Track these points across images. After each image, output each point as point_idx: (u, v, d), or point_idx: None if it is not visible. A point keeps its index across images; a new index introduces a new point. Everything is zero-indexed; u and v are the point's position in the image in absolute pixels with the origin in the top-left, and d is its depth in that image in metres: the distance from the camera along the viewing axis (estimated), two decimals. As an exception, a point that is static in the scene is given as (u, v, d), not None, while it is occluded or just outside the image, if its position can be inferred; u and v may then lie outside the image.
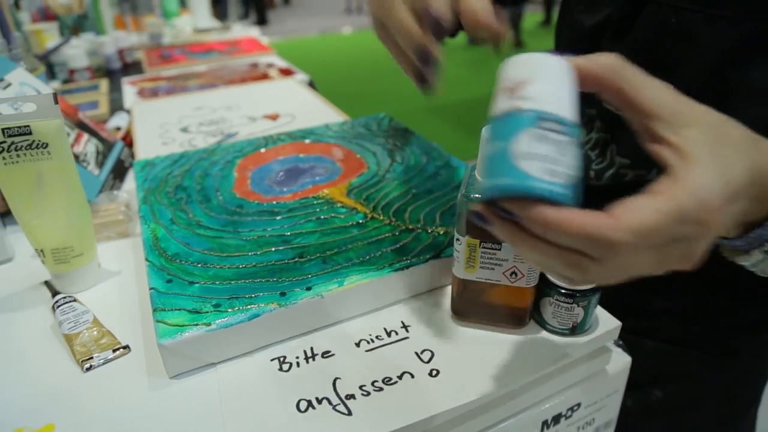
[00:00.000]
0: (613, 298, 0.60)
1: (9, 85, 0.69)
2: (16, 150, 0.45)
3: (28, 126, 0.45)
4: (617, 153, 0.55)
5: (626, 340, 0.61)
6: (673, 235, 0.26)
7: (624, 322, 0.62)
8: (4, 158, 0.45)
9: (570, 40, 0.59)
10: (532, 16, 6.97)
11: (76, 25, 1.52)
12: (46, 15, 1.59)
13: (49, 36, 1.42)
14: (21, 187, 0.46)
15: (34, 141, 0.45)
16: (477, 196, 0.37)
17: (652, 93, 0.29)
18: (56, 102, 0.46)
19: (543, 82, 0.28)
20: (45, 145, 0.46)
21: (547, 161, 0.26)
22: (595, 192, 0.56)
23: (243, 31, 1.79)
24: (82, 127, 0.74)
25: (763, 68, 0.43)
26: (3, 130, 0.44)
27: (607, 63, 0.29)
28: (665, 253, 0.27)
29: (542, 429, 0.44)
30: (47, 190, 0.47)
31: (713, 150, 0.28)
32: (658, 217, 0.25)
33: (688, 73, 0.46)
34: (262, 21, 8.01)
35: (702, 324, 0.59)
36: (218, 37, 1.63)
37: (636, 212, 0.25)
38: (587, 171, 0.58)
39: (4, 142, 0.45)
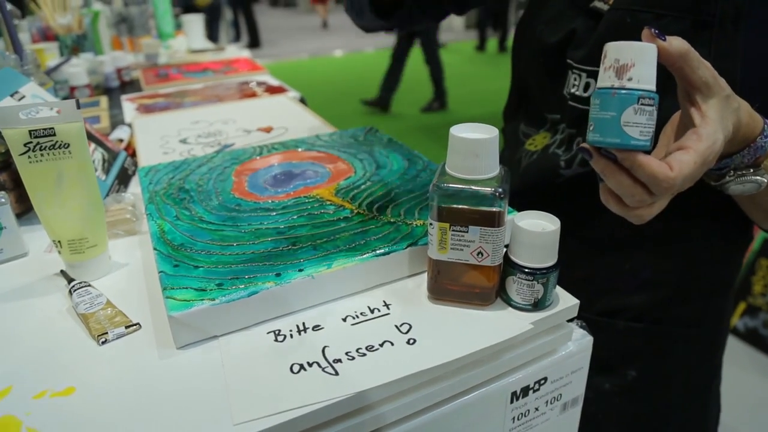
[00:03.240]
0: (588, 282, 0.67)
1: (23, 97, 0.74)
2: (40, 150, 0.51)
3: (53, 128, 0.50)
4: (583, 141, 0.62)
5: (599, 322, 0.68)
6: (698, 173, 0.41)
7: (596, 306, 0.68)
8: (29, 157, 0.51)
9: (533, 55, 0.67)
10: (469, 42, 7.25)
11: (75, 45, 1.58)
12: (45, 35, 1.65)
13: (50, 55, 1.48)
14: (43, 183, 0.52)
15: (57, 141, 0.51)
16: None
17: (700, 72, 0.41)
18: (78, 107, 0.51)
19: (640, 65, 0.39)
20: (67, 146, 0.51)
21: (641, 126, 0.39)
22: (566, 183, 0.63)
23: (235, 53, 1.86)
24: (89, 137, 0.80)
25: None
26: (30, 131, 0.50)
27: (678, 47, 0.40)
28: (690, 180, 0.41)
29: (512, 400, 0.50)
30: (66, 186, 0.52)
31: (721, 113, 0.42)
32: (693, 166, 0.40)
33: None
34: (254, 44, 8.13)
35: (666, 293, 0.66)
36: (213, 58, 1.70)
37: (682, 164, 0.39)
38: (558, 164, 0.65)
39: (30, 142, 0.50)
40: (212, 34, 7.82)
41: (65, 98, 1.35)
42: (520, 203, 0.61)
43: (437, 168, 0.65)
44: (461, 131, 0.45)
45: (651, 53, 0.39)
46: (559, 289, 0.50)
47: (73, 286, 0.52)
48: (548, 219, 0.47)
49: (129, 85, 1.49)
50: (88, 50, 1.60)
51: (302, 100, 1.16)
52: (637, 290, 0.67)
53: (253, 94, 1.20)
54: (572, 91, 0.62)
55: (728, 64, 0.51)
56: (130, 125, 1.01)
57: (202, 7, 7.26)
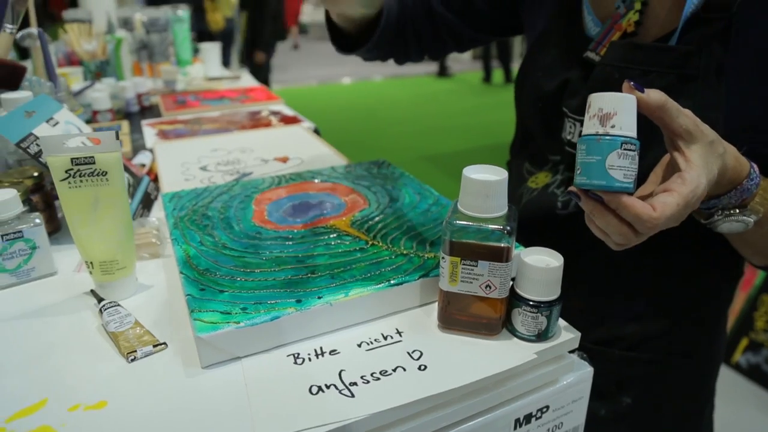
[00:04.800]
0: (583, 314, 0.70)
1: (57, 123, 0.79)
2: (80, 176, 0.54)
3: (93, 157, 0.54)
4: None
5: (594, 351, 0.70)
6: (681, 214, 0.44)
7: (592, 335, 0.71)
8: (69, 183, 0.54)
9: (533, 101, 0.71)
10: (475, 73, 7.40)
11: (99, 71, 1.64)
12: (70, 60, 1.71)
13: (74, 79, 1.54)
14: (80, 207, 0.55)
15: (96, 169, 0.55)
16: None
17: (680, 120, 0.45)
18: (117, 138, 0.55)
19: (622, 114, 0.43)
20: (105, 173, 0.55)
21: (624, 169, 0.43)
22: (563, 220, 0.67)
23: (247, 79, 1.92)
24: (116, 162, 0.84)
25: (683, 106, 0.56)
26: (72, 159, 0.54)
27: (655, 99, 0.44)
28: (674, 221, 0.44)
29: (515, 426, 0.52)
30: (101, 210, 0.56)
31: (705, 158, 0.45)
32: (675, 208, 0.43)
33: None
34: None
35: (660, 325, 0.69)
36: (229, 86, 1.75)
37: (664, 206, 0.43)
38: (555, 204, 0.69)
39: (71, 169, 0.54)
40: (225, 59, 7.97)
41: (88, 122, 1.40)
42: (519, 236, 0.64)
43: (450, 205, 0.69)
44: (473, 172, 0.49)
45: (631, 103, 0.43)
46: (561, 321, 0.53)
47: (104, 306, 0.55)
48: (552, 255, 0.51)
49: (148, 110, 1.54)
50: (110, 75, 1.66)
51: (316, 131, 1.20)
52: (632, 321, 0.70)
53: (269, 124, 1.24)
54: (569, 138, 0.66)
55: (713, 114, 0.55)
56: (151, 150, 1.05)
57: (216, 32, 7.43)
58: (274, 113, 1.37)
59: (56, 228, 0.76)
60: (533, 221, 0.70)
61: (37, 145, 0.72)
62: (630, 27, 0.62)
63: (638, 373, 0.71)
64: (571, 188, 0.46)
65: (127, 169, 0.86)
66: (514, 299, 0.50)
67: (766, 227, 0.53)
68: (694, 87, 0.56)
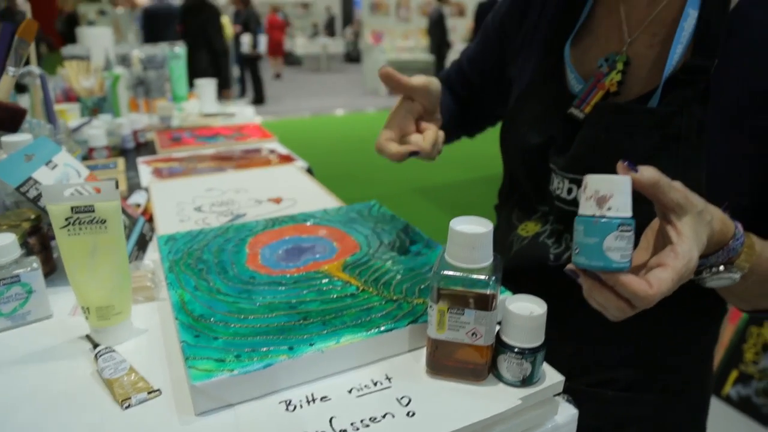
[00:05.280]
0: (575, 358, 0.72)
1: (56, 166, 0.81)
2: (79, 224, 0.56)
3: (93, 206, 0.56)
4: (571, 240, 0.67)
5: (589, 392, 0.72)
6: (675, 287, 0.45)
7: (584, 378, 0.73)
8: (69, 230, 0.56)
9: (519, 153, 0.73)
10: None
11: (96, 107, 1.66)
12: (68, 96, 1.74)
13: (72, 116, 1.57)
14: (78, 254, 0.57)
15: (95, 218, 0.56)
16: (483, 272, 0.49)
17: (671, 195, 0.47)
18: (117, 187, 0.57)
19: (618, 196, 0.45)
20: (103, 221, 0.57)
21: (621, 250, 0.44)
22: (554, 270, 0.69)
23: (239, 110, 1.95)
24: (112, 203, 0.86)
25: (665, 165, 0.58)
26: (72, 207, 0.56)
27: (649, 178, 0.46)
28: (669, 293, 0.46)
29: (502, 470, 0.53)
30: (99, 257, 0.58)
31: (695, 229, 0.47)
32: (670, 283, 0.45)
33: (615, 173, 0.61)
34: (259, 100, 8.37)
35: (651, 367, 0.71)
36: (224, 122, 1.79)
37: (660, 282, 0.44)
38: (547, 255, 0.71)
39: (71, 217, 0.56)
40: (220, 90, 8.07)
41: (84, 158, 1.42)
42: (510, 285, 0.66)
43: (439, 249, 0.71)
44: (460, 224, 0.51)
45: (626, 185, 0.45)
46: (546, 366, 0.55)
47: (99, 352, 0.56)
48: (536, 302, 0.52)
49: (144, 147, 1.57)
50: (107, 111, 1.69)
51: (309, 170, 1.22)
52: (622, 365, 0.72)
53: (263, 163, 1.27)
54: (557, 192, 0.68)
55: (695, 173, 0.57)
56: (146, 190, 1.07)
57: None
58: (270, 152, 1.39)
59: (52, 269, 0.77)
60: (525, 270, 0.72)
61: (36, 189, 0.73)
62: (613, 87, 0.65)
63: (634, 413, 0.72)
64: (570, 266, 0.49)
65: (123, 210, 0.87)
66: (499, 345, 0.52)
67: (751, 280, 0.55)
68: (677, 146, 0.59)
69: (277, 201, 0.98)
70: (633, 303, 0.46)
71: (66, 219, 0.56)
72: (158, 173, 1.21)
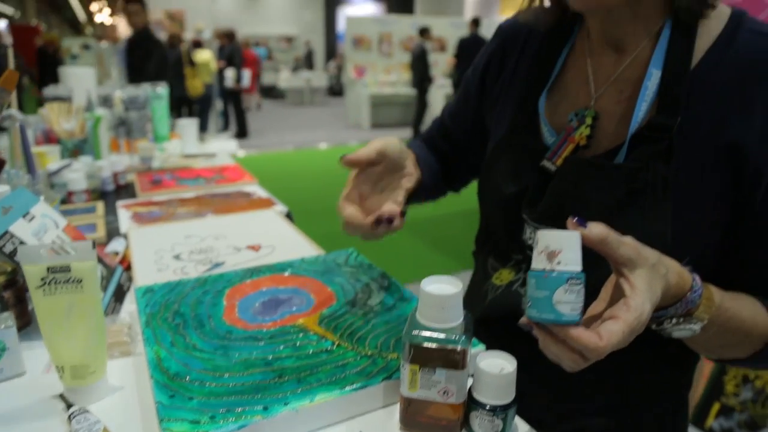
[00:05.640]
0: (549, 407, 0.73)
1: (33, 218, 0.81)
2: (55, 284, 0.56)
3: (69, 265, 0.57)
4: None
5: None
6: (627, 339, 0.47)
7: (560, 427, 0.74)
8: (44, 290, 0.56)
9: (495, 202, 0.75)
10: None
11: (76, 149, 1.67)
12: (48, 137, 1.74)
13: (51, 158, 1.57)
14: (53, 313, 0.57)
15: (71, 277, 0.57)
16: (459, 339, 0.50)
17: (621, 251, 0.48)
18: (94, 248, 0.58)
19: (567, 251, 0.46)
20: (80, 281, 0.57)
21: (571, 303, 0.46)
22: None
23: (222, 144, 1.96)
24: (90, 254, 0.86)
25: (632, 218, 0.61)
26: (48, 268, 0.56)
27: (597, 234, 0.48)
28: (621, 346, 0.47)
29: None
30: (74, 317, 0.58)
31: (649, 282, 0.48)
32: (621, 336, 0.46)
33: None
34: (242, 134, 8.40)
35: (625, 414, 0.72)
36: (205, 164, 1.80)
37: (611, 334, 0.46)
38: (520, 304, 0.72)
39: (47, 277, 0.56)
40: (202, 124, 8.11)
41: (63, 201, 1.42)
42: (485, 334, 0.67)
43: (413, 306, 0.73)
44: (430, 284, 0.52)
45: (575, 240, 0.47)
46: (518, 420, 0.56)
47: (73, 413, 0.56)
48: (507, 359, 0.54)
49: (124, 189, 1.57)
50: (88, 153, 1.69)
51: (289, 215, 1.24)
52: (596, 414, 0.73)
53: (243, 207, 1.28)
54: (529, 242, 0.70)
55: (660, 227, 0.60)
56: (125, 236, 1.07)
57: (194, 98, 7.59)
58: (249, 194, 1.40)
59: (27, 322, 0.77)
60: (499, 320, 0.73)
61: (13, 243, 0.74)
62: (582, 140, 0.67)
63: None
64: (524, 320, 0.50)
65: (101, 260, 0.88)
66: (471, 402, 0.53)
67: (712, 331, 0.57)
68: (643, 200, 0.61)
69: (256, 248, 0.99)
70: (585, 355, 0.47)
71: (42, 279, 0.56)
72: (138, 218, 1.21)
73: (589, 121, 0.67)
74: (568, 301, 0.46)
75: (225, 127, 9.02)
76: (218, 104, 8.69)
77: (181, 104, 7.65)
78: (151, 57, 3.97)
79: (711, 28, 0.62)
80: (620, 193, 0.62)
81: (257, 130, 9.12)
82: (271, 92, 14.80)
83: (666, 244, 0.58)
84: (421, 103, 8.12)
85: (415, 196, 0.80)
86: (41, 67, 7.93)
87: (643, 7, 0.63)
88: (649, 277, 0.49)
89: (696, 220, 0.61)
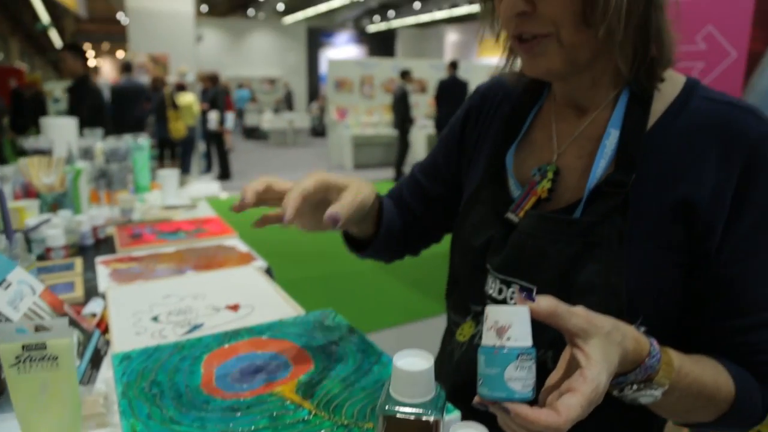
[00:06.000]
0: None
1: (9, 285, 0.81)
2: (30, 361, 0.57)
3: (44, 343, 0.57)
4: None
5: None
6: (586, 411, 0.47)
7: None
8: (19, 368, 0.57)
9: (463, 252, 0.78)
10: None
11: (55, 203, 1.67)
12: (27, 191, 1.74)
13: (30, 213, 1.56)
14: (28, 392, 0.57)
15: (47, 355, 0.57)
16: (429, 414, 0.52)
17: (573, 321, 0.49)
18: (70, 324, 0.58)
19: (516, 326, 0.47)
20: (55, 358, 0.57)
21: (522, 380, 0.46)
22: None
23: (204, 186, 1.97)
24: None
25: (589, 271, 0.63)
26: (23, 346, 0.56)
27: (546, 307, 0.49)
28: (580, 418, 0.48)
29: None
30: (49, 395, 0.58)
31: (604, 351, 0.49)
32: (579, 409, 0.46)
33: (543, 276, 0.66)
34: (225, 175, 8.42)
35: None
36: (185, 215, 1.80)
37: (569, 409, 0.46)
38: None
39: (21, 355, 0.56)
40: (185, 166, 8.13)
41: (41, 257, 1.41)
42: (459, 398, 0.68)
43: (390, 362, 0.73)
44: (402, 358, 0.53)
45: (524, 315, 0.48)
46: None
47: (45, 493, 0.56)
48: (478, 429, 0.55)
49: (103, 243, 1.57)
50: (67, 207, 1.69)
51: (268, 270, 1.24)
52: None
53: (223, 263, 1.28)
54: (489, 292, 0.72)
55: (617, 279, 0.62)
56: (103, 296, 1.07)
57: (177, 140, 7.62)
58: (229, 249, 1.41)
59: (0, 391, 0.76)
60: (469, 382, 0.74)
61: (-11, 313, 0.73)
62: (544, 193, 0.71)
63: None
64: (477, 399, 0.50)
65: (78, 324, 0.87)
66: (445, 474, 0.53)
67: (675, 396, 0.58)
68: (600, 252, 0.63)
69: (235, 308, 0.99)
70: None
71: (16, 357, 0.57)
72: (116, 275, 1.21)
73: (550, 175, 0.71)
74: (519, 378, 0.46)
75: (208, 168, 9.04)
76: (201, 146, 8.72)
77: (164, 146, 7.68)
78: (86, 104, 4.04)
79: (666, 93, 0.67)
80: (577, 246, 0.64)
81: (240, 171, 9.14)
82: (254, 133, 14.89)
83: (622, 298, 0.61)
84: (403, 144, 8.24)
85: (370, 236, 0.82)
86: (15, 110, 7.90)
87: (600, 77, 0.68)
88: (604, 346, 0.50)
89: (652, 273, 0.64)
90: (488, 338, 0.48)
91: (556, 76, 0.68)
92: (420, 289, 3.95)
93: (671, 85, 0.67)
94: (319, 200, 0.70)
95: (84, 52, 4.24)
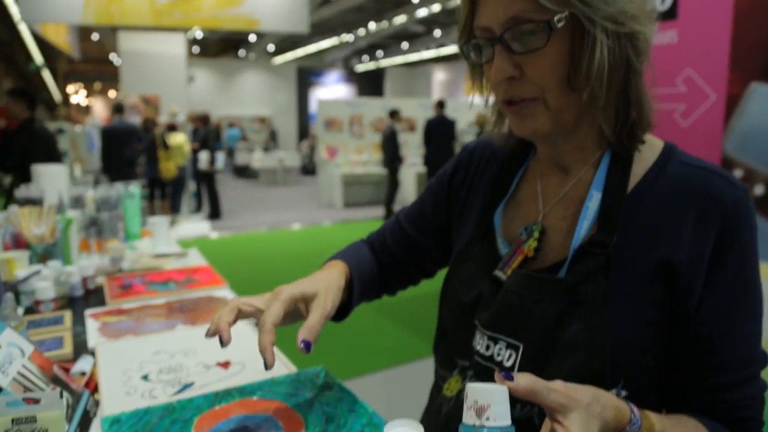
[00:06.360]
0: None
1: (-1, 348, 0.81)
2: (20, 436, 0.57)
3: (35, 416, 0.57)
4: None
5: None
6: None
7: None
8: (8, 443, 0.56)
9: (452, 307, 0.79)
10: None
11: (46, 253, 1.66)
12: (17, 242, 1.74)
13: (20, 264, 1.56)
14: (17, 466, 0.57)
15: (36, 428, 0.57)
16: None
17: (551, 397, 0.50)
18: (61, 397, 0.59)
19: (495, 405, 0.47)
20: (45, 430, 0.57)
21: None
22: None
23: (194, 226, 1.96)
24: (56, 381, 0.85)
25: (574, 329, 0.65)
26: (13, 419, 0.56)
27: (525, 386, 0.50)
28: None
29: None
30: (39, 468, 0.58)
31: (584, 425, 0.50)
32: None
33: (529, 334, 0.68)
34: (215, 215, 8.41)
35: None
36: (176, 264, 1.80)
37: None
38: None
39: (10, 429, 0.56)
40: (175, 205, 8.12)
41: (30, 309, 1.40)
42: None
43: (381, 424, 0.74)
44: (392, 429, 0.54)
45: (503, 394, 0.48)
46: None
47: None
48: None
49: (93, 294, 1.56)
50: (57, 257, 1.68)
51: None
52: None
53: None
54: (477, 348, 0.73)
55: (600, 338, 0.63)
56: (93, 353, 1.07)
57: (167, 180, 7.63)
58: (218, 300, 1.41)
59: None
60: None
61: (-22, 380, 0.73)
62: (530, 252, 0.73)
63: None
64: None
65: (66, 385, 0.87)
66: None
67: None
68: (584, 310, 0.65)
69: (225, 366, 0.99)
70: None
71: (6, 431, 0.56)
72: (106, 330, 1.21)
73: (536, 234, 0.73)
74: None
75: (198, 208, 9.04)
76: (191, 185, 8.74)
77: (154, 186, 7.69)
78: (36, 144, 4.12)
79: (646, 157, 0.70)
80: (563, 305, 0.66)
81: (230, 210, 9.14)
82: (245, 172, 14.95)
83: (605, 355, 0.62)
84: (393, 182, 8.30)
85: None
86: (3, 149, 7.91)
87: (584, 139, 0.71)
88: (583, 419, 0.51)
89: (635, 331, 0.65)
90: (468, 417, 0.49)
91: (542, 137, 0.71)
92: (410, 329, 3.94)
93: (650, 148, 0.71)
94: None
95: (29, 96, 4.34)
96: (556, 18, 0.61)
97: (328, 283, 0.78)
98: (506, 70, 0.65)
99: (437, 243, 0.92)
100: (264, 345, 0.69)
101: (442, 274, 0.90)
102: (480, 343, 0.73)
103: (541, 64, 0.64)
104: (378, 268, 0.94)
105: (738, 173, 2.46)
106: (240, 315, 0.75)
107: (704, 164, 0.68)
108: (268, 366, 0.67)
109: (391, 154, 8.23)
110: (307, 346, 0.69)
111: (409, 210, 0.96)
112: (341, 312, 0.87)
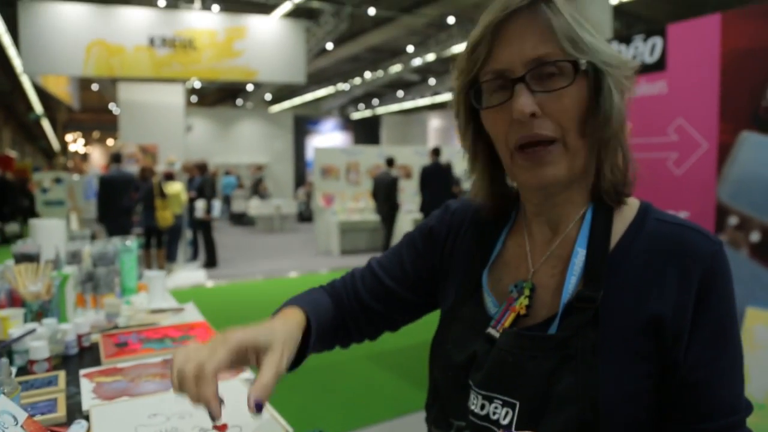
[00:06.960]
0: None
1: (-7, 417, 0.79)
2: None
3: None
4: None
5: None
6: None
7: None
8: None
9: (444, 368, 0.79)
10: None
11: (41, 311, 1.65)
12: (12, 298, 1.73)
13: (14, 322, 1.55)
14: None
15: (30, 508, 0.56)
16: None
17: None
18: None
19: None
20: None
21: None
22: None
23: (190, 274, 1.95)
24: (49, 450, 0.84)
25: (566, 383, 0.65)
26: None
27: None
28: None
29: None
30: None
31: None
32: None
33: (524, 392, 0.68)
34: (211, 263, 8.37)
35: None
36: (172, 320, 1.79)
37: None
38: None
39: None
40: (171, 254, 8.10)
41: (23, 369, 1.38)
42: None
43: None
44: None
45: None
46: None
47: None
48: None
49: (88, 351, 1.54)
50: (52, 314, 1.67)
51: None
52: None
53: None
54: (472, 408, 0.73)
55: (591, 390, 0.64)
56: (87, 417, 1.05)
57: (164, 228, 7.63)
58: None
59: None
60: None
61: (-29, 452, 0.72)
62: (522, 310, 0.74)
63: None
64: None
65: (60, 454, 0.85)
66: None
67: None
68: (575, 364, 0.66)
69: (222, 429, 0.97)
70: None
71: None
72: (100, 390, 1.19)
73: (527, 292, 0.74)
74: None
75: (194, 256, 9.01)
76: (188, 233, 8.74)
77: (150, 234, 7.68)
78: None
79: (625, 215, 0.74)
80: (555, 360, 0.67)
81: (227, 258, 9.11)
82: (242, 219, 14.97)
83: (597, 407, 0.63)
84: (390, 229, 8.32)
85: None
86: (1, 198, 7.93)
87: (575, 194, 0.74)
88: None
89: (625, 382, 0.66)
90: None
91: (557, 186, 0.72)
92: (408, 379, 3.88)
93: (628, 207, 0.75)
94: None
95: None
96: (580, 61, 0.66)
97: (285, 336, 0.73)
98: (529, 105, 0.67)
99: (417, 297, 0.91)
100: (206, 397, 0.65)
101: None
102: (474, 403, 0.73)
103: (563, 104, 0.67)
104: (338, 319, 0.91)
105: (733, 220, 2.49)
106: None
107: (679, 220, 0.72)
108: (214, 418, 0.64)
109: (390, 202, 8.29)
110: (259, 407, 0.65)
111: (385, 261, 0.93)
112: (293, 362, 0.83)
